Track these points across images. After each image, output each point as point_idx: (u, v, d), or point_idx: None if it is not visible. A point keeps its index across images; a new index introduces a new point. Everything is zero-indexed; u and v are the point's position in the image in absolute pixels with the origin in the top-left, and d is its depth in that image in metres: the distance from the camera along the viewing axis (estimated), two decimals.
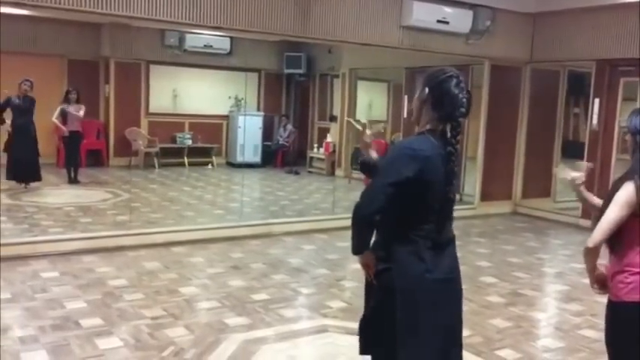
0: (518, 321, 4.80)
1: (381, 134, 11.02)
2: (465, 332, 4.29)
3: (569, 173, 2.80)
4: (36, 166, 9.28)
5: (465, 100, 2.42)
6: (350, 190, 10.77)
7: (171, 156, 12.74)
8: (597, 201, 2.73)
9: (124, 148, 12.32)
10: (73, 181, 9.97)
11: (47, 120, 9.99)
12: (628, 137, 2.61)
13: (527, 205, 9.58)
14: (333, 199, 9.14)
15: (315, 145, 13.39)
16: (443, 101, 2.42)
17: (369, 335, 2.63)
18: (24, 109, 9.09)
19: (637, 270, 2.45)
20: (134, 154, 12.28)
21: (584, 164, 2.91)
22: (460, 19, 8.19)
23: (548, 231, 8.57)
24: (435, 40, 8.21)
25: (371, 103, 13.30)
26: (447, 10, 8.03)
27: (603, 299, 2.61)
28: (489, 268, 6.31)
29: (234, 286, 5.36)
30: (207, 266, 5.98)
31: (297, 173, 12.63)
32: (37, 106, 9.26)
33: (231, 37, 12.52)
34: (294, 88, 14.36)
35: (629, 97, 8.32)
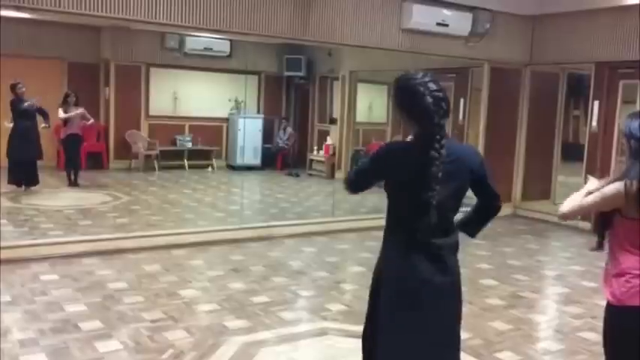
0: (518, 323, 4.80)
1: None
2: (465, 335, 4.29)
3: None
4: (34, 170, 9.28)
5: (440, 101, 2.38)
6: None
7: (171, 158, 12.74)
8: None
9: (124, 150, 12.33)
10: (73, 183, 9.97)
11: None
12: (623, 141, 2.62)
13: (527, 208, 9.58)
14: (333, 201, 9.14)
15: (315, 148, 13.38)
16: (421, 116, 2.40)
17: (369, 339, 2.65)
18: (27, 113, 9.10)
19: (637, 273, 2.45)
20: (134, 157, 12.30)
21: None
22: (460, 22, 8.20)
23: (548, 233, 8.57)
24: (435, 42, 8.22)
25: (371, 106, 13.30)
26: (447, 13, 8.04)
27: (604, 302, 2.61)
28: (489, 271, 6.31)
29: (234, 288, 5.36)
30: (207, 269, 5.98)
31: (297, 176, 12.63)
32: None
33: (231, 40, 12.55)
34: (294, 90, 14.37)
35: (629, 99, 8.32)
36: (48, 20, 10.34)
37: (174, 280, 5.54)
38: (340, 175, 12.23)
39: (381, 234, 2.63)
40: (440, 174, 2.34)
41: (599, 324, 2.68)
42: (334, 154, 12.57)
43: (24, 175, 9.23)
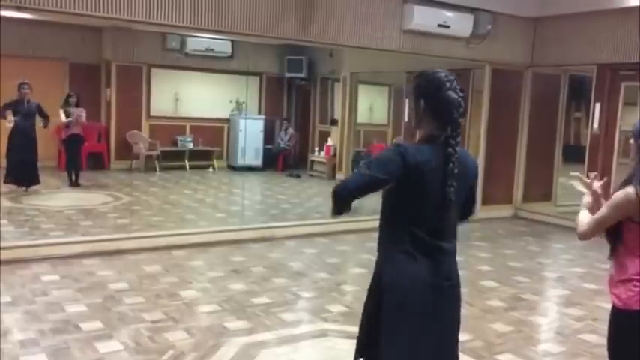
0: (518, 325, 4.79)
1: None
2: (466, 336, 4.30)
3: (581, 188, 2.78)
4: (35, 170, 9.28)
5: (460, 100, 2.41)
6: None
7: (172, 159, 12.75)
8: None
9: (125, 151, 12.34)
10: (74, 184, 9.97)
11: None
12: (632, 141, 2.61)
13: (528, 209, 9.57)
14: None
15: (316, 149, 13.40)
16: (442, 109, 2.39)
17: (363, 338, 2.61)
18: (27, 113, 9.10)
19: None
20: (135, 158, 12.31)
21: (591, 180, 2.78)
22: (461, 23, 8.20)
23: (549, 235, 8.57)
24: (436, 44, 8.22)
25: (372, 107, 13.31)
26: (448, 14, 8.04)
27: (605, 304, 2.60)
28: (490, 272, 6.29)
29: (235, 289, 5.36)
30: (208, 270, 5.98)
31: (298, 177, 12.63)
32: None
33: (232, 41, 12.56)
34: (295, 91, 14.38)
35: (630, 101, 8.32)
36: (49, 21, 10.36)
37: (175, 280, 5.54)
38: (341, 176, 12.24)
39: None
40: (456, 171, 2.36)
41: (600, 326, 2.68)
42: (335, 155, 12.58)
43: (24, 176, 9.22)
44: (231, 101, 13.33)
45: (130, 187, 10.40)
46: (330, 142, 12.80)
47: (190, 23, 6.51)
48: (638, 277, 2.45)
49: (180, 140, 12.97)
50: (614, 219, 2.48)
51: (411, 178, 2.34)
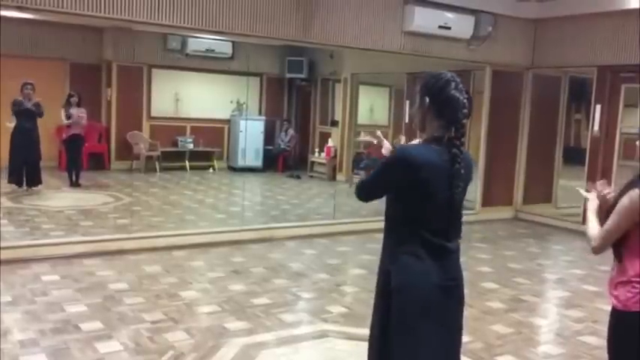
0: (518, 327, 4.79)
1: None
2: (466, 338, 4.28)
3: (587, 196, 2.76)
4: (37, 170, 9.28)
5: (465, 101, 2.43)
6: (351, 195, 10.74)
7: (172, 160, 12.74)
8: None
9: (126, 151, 12.33)
10: (75, 184, 9.97)
11: (49, 123, 10.01)
12: (638, 143, 2.60)
13: (529, 211, 9.57)
14: (334, 203, 9.14)
15: (317, 150, 13.39)
16: (446, 108, 2.42)
17: (375, 341, 2.62)
18: (28, 113, 9.11)
19: None
20: (136, 158, 12.31)
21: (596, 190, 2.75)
22: (462, 25, 8.20)
23: (550, 237, 8.57)
24: (437, 45, 8.22)
25: (372, 108, 13.31)
26: (449, 16, 8.04)
27: (605, 306, 2.60)
28: (490, 274, 6.30)
29: (235, 290, 5.36)
30: (208, 270, 5.98)
31: (298, 178, 12.63)
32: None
33: (233, 42, 12.56)
34: (295, 92, 14.38)
35: (631, 103, 8.32)
36: (50, 21, 10.35)
37: (175, 281, 5.54)
38: (341, 177, 12.25)
39: (381, 236, 2.62)
40: (462, 171, 2.40)
41: (601, 328, 2.68)
42: (335, 156, 12.58)
43: (26, 176, 9.22)
44: (231, 102, 13.33)
45: (131, 188, 10.39)
46: (330, 143, 12.80)
47: (191, 24, 6.51)
48: (637, 279, 2.45)
49: (181, 141, 12.96)
50: (624, 226, 2.44)
51: (416, 180, 2.36)
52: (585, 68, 8.83)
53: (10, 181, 9.15)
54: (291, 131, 13.64)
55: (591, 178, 8.58)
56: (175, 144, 12.99)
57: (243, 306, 4.95)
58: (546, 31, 9.03)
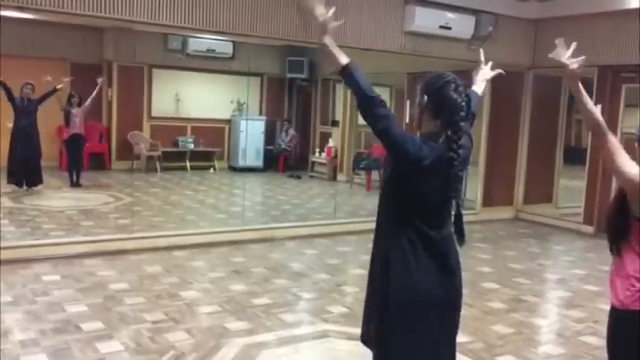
0: (519, 327, 4.79)
1: None
2: (466, 338, 4.30)
3: (563, 54, 2.62)
4: (37, 170, 9.28)
5: (463, 104, 2.43)
6: (352, 195, 10.78)
7: (173, 160, 12.73)
8: (591, 105, 2.56)
9: (127, 151, 12.32)
10: (75, 184, 9.98)
11: (49, 123, 10.00)
12: (637, 145, 2.59)
13: (529, 211, 9.57)
14: (335, 203, 9.14)
15: (317, 150, 13.39)
16: (442, 107, 2.43)
17: (367, 327, 2.63)
18: (27, 112, 9.11)
19: None
20: (136, 158, 12.30)
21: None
22: (462, 25, 8.20)
23: (550, 237, 8.57)
24: (438, 45, 8.22)
25: None
26: (450, 16, 8.04)
27: (605, 306, 2.60)
28: (491, 274, 6.30)
29: (236, 290, 5.36)
30: (209, 270, 5.98)
31: (298, 178, 12.63)
32: (40, 108, 9.29)
33: (233, 42, 12.54)
34: (296, 92, 14.37)
35: (631, 103, 8.31)
36: (51, 21, 10.33)
37: (176, 281, 5.54)
38: (342, 177, 12.25)
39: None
40: (461, 173, 2.41)
41: (601, 328, 2.68)
42: (336, 156, 12.58)
43: (27, 175, 9.22)
44: (232, 102, 13.31)
45: (131, 188, 10.38)
46: (331, 143, 12.80)
47: (191, 24, 6.51)
48: (636, 275, 2.44)
49: (182, 141, 12.96)
50: (621, 181, 2.41)
51: (416, 169, 2.36)
52: (586, 68, 8.75)
53: (9, 182, 9.14)
54: (291, 131, 13.63)
55: (592, 178, 8.60)
56: (176, 144, 12.98)
57: (244, 306, 4.95)
58: (547, 31, 9.02)
